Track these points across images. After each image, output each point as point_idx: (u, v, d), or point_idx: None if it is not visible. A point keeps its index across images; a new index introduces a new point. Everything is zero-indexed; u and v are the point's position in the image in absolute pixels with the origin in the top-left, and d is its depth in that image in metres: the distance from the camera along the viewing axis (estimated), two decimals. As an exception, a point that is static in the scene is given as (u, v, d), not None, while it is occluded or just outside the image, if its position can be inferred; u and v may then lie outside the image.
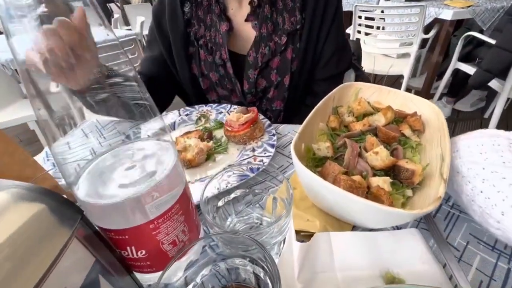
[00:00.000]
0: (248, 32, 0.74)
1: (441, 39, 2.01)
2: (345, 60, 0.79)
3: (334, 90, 0.53)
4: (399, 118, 0.50)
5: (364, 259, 0.33)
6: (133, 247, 0.27)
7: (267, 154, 0.52)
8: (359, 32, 2.28)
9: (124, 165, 0.26)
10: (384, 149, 0.38)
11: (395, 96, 0.54)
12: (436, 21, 2.01)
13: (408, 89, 2.29)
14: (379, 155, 0.37)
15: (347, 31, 2.37)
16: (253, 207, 0.40)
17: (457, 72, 2.07)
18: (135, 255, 0.27)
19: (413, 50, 2.04)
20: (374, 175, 0.38)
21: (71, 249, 0.21)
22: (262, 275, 0.27)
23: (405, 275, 0.32)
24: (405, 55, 2.21)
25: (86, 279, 0.22)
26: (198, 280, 0.29)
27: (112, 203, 0.23)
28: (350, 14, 2.21)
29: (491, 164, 0.33)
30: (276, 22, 0.71)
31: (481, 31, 1.87)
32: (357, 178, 0.35)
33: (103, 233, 0.26)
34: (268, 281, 0.26)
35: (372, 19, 2.12)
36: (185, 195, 0.29)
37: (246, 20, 0.73)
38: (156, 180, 0.25)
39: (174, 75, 0.84)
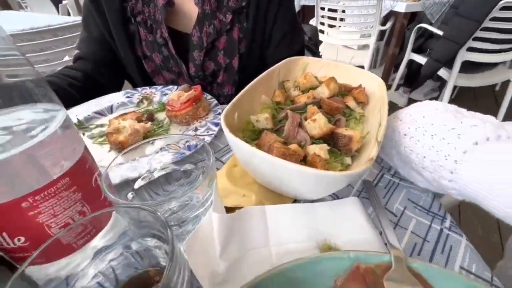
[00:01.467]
0: (190, 8, 0.69)
1: (396, 31, 2.11)
2: (297, 43, 0.77)
3: (279, 64, 0.50)
4: (345, 91, 0.49)
5: (302, 232, 0.31)
6: (4, 233, 0.21)
7: (210, 132, 0.48)
8: (322, 24, 2.32)
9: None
10: (322, 116, 0.36)
11: (342, 71, 0.53)
12: (392, 13, 2.11)
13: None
14: (317, 123, 0.35)
15: (311, 22, 2.40)
16: (185, 187, 0.36)
17: (411, 63, 2.19)
18: (11, 244, 0.22)
19: (372, 41, 2.13)
20: (313, 144, 0.36)
21: None
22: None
23: (342, 245, 0.30)
24: (365, 47, 2.29)
25: None
26: (105, 268, 0.24)
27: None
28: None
29: (437, 121, 0.33)
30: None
31: (430, 25, 1.99)
32: (293, 146, 0.33)
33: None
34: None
35: (336, 11, 2.16)
36: (82, 169, 0.24)
37: None
38: (16, 143, 0.19)
39: (118, 58, 0.76)
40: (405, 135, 0.34)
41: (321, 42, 2.47)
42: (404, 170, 0.37)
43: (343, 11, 2.13)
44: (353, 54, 2.35)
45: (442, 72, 1.81)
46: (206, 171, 0.26)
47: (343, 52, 2.44)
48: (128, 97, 0.64)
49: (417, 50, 2.11)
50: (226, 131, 0.31)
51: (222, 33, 0.68)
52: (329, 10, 2.23)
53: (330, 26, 2.30)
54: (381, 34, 2.33)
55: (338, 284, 0.24)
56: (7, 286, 0.16)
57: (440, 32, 1.66)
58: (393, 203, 0.36)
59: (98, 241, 0.24)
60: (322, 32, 2.35)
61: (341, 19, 2.17)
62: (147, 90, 0.67)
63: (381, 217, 0.32)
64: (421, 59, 1.97)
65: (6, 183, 0.19)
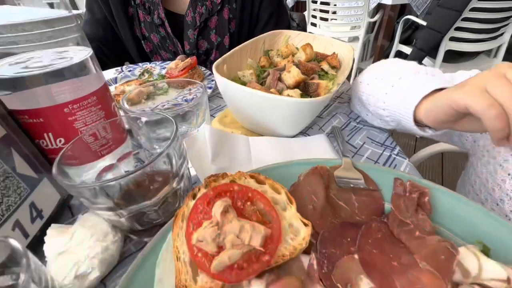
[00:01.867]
0: None
1: (384, 23, 2.19)
2: (283, 23, 0.85)
3: (264, 34, 0.58)
4: (321, 58, 0.56)
5: (278, 156, 0.39)
6: (50, 134, 0.28)
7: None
8: (314, 17, 2.39)
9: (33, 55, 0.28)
10: (296, 68, 0.43)
11: (320, 41, 0.60)
12: (381, 6, 2.19)
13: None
14: (291, 73, 0.43)
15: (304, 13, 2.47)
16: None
17: (400, 54, 2.28)
18: (54, 145, 0.29)
19: (361, 33, 2.21)
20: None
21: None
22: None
23: (310, 166, 0.38)
24: (356, 39, 2.37)
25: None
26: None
27: (18, 77, 0.25)
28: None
29: (388, 69, 0.41)
30: None
31: (417, 17, 2.08)
32: (272, 90, 0.41)
33: (18, 117, 0.27)
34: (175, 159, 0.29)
35: (328, 4, 2.23)
36: (104, 94, 0.32)
37: None
38: (61, 64, 0.27)
39: (120, 38, 0.83)
40: (360, 82, 0.42)
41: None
42: (363, 113, 0.45)
43: (335, 5, 2.21)
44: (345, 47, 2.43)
45: (426, 61, 1.89)
46: (200, 101, 0.33)
47: (333, 45, 2.51)
48: (129, 70, 0.71)
49: (405, 41, 2.19)
50: (216, 75, 0.39)
51: (214, 13, 0.76)
52: (321, 3, 2.30)
53: (322, 19, 2.37)
54: (372, 27, 2.42)
55: (301, 178, 0.32)
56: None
57: (424, 23, 1.74)
58: (355, 140, 0.44)
59: (120, 150, 0.31)
60: (315, 25, 2.42)
61: (334, 12, 2.25)
62: (147, 64, 0.74)
63: (342, 146, 0.40)
64: (408, 50, 2.06)
65: (48, 92, 0.27)
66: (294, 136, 0.43)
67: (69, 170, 0.25)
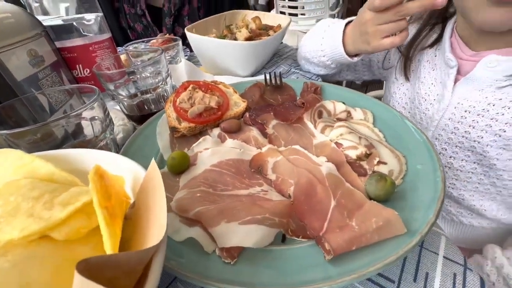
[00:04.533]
0: None
1: (344, 14, 2.43)
2: (243, 8, 1.03)
3: (225, 12, 0.76)
4: (269, 28, 0.75)
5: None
6: (80, 65, 0.44)
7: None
8: (283, 13, 2.61)
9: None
10: (245, 29, 0.61)
11: (268, 16, 0.79)
12: (338, 1, 2.44)
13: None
14: (241, 32, 0.61)
15: (272, 11, 2.69)
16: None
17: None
18: (83, 74, 0.45)
19: (325, 24, 2.45)
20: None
21: (41, 42, 0.38)
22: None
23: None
24: (321, 31, 2.61)
25: (51, 65, 0.39)
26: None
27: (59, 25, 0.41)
28: (271, -4, 2.50)
29: (314, 30, 0.58)
30: None
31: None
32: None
33: (62, 53, 0.43)
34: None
35: (296, 0, 2.47)
36: (111, 43, 0.48)
37: None
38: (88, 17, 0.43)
39: None
40: (302, 45, 0.60)
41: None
42: (310, 67, 0.61)
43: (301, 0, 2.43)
44: (311, 38, 2.66)
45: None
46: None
47: (302, 37, 2.74)
48: (119, 50, 0.86)
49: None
50: (188, 33, 0.56)
51: (185, 4, 0.93)
52: (289, 0, 2.52)
53: (291, 14, 2.60)
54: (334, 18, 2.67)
55: (246, 89, 0.49)
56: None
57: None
58: (292, 78, 0.62)
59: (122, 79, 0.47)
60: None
61: (302, 7, 2.48)
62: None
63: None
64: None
65: (83, 37, 0.42)
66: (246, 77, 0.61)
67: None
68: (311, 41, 0.58)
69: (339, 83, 0.58)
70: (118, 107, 0.43)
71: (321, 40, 0.54)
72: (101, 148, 0.32)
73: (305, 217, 0.24)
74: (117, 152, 0.34)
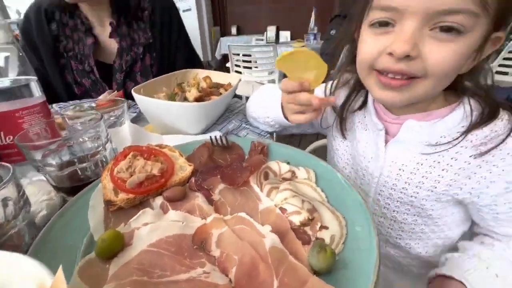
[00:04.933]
0: (113, 46, 0.94)
1: (291, 68, 2.73)
2: (197, 67, 1.09)
3: (177, 71, 0.78)
4: (218, 86, 0.79)
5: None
6: (2, 133, 0.39)
7: (129, 113, 0.70)
8: (238, 66, 2.83)
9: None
10: (195, 89, 0.63)
11: (218, 75, 0.84)
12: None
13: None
14: (191, 92, 0.63)
15: (227, 65, 2.91)
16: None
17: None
18: (5, 141, 0.40)
19: (276, 77, 2.70)
20: (191, 105, 0.62)
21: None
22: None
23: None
24: (273, 81, 2.86)
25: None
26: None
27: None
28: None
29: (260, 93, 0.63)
30: (133, 38, 0.94)
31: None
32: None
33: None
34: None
35: (250, 55, 2.72)
36: (45, 107, 0.45)
37: (110, 37, 0.93)
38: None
39: (49, 85, 0.93)
40: (249, 106, 0.64)
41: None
42: (256, 124, 0.65)
43: (250, 55, 2.69)
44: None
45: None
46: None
47: (257, 87, 2.96)
48: (60, 107, 0.81)
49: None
50: (135, 95, 0.56)
51: (137, 61, 0.95)
52: (243, 55, 2.77)
53: (245, 67, 2.83)
54: (284, 72, 2.97)
55: (195, 150, 0.49)
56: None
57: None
58: (242, 134, 0.64)
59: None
60: (240, 72, 2.85)
61: (255, 61, 2.73)
62: (77, 102, 0.86)
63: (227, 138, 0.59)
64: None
65: (11, 101, 0.39)
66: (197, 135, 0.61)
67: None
68: (257, 104, 0.62)
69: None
70: (43, 178, 0.38)
71: (265, 104, 0.58)
72: (11, 237, 0.27)
73: (247, 305, 0.22)
74: (35, 237, 0.29)
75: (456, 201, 0.44)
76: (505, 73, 1.99)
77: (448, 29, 0.33)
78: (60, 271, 0.16)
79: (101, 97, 0.74)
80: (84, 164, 0.39)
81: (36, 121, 0.42)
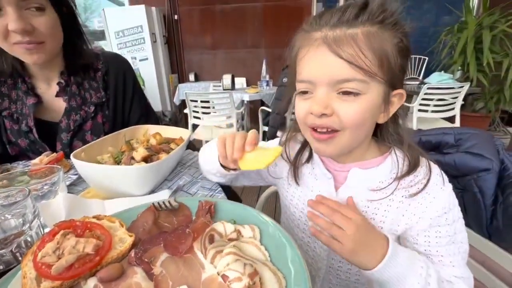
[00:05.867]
0: (59, 104, 0.89)
1: (248, 111, 2.89)
2: (151, 122, 1.08)
3: (125, 129, 0.78)
4: (169, 140, 0.80)
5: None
6: None
7: (70, 176, 0.66)
8: (196, 111, 2.88)
9: None
10: (142, 148, 0.63)
11: (169, 130, 0.85)
12: (243, 101, 2.92)
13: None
14: (138, 152, 0.62)
15: (185, 111, 2.96)
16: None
17: (264, 133, 2.97)
18: None
19: (234, 120, 2.81)
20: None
21: None
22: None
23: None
24: (231, 125, 2.96)
25: None
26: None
27: None
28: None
29: (204, 149, 0.65)
30: (84, 97, 0.91)
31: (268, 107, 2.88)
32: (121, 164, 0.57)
33: None
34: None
35: (208, 102, 2.81)
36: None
37: (56, 96, 0.89)
38: None
39: None
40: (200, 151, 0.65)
41: (197, 125, 3.03)
42: (208, 175, 0.65)
43: (208, 101, 2.79)
44: (224, 131, 2.96)
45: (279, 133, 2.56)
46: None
47: (216, 131, 3.02)
48: (-14, 173, 0.72)
49: (267, 123, 2.92)
50: (74, 160, 0.53)
51: (88, 119, 0.91)
52: (202, 101, 2.86)
53: (204, 113, 2.90)
54: (242, 115, 3.12)
55: (139, 215, 0.47)
56: None
57: (270, 110, 2.45)
58: (192, 189, 0.64)
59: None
60: (198, 118, 2.90)
61: (213, 107, 2.82)
62: (7, 165, 0.77)
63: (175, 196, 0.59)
64: (267, 129, 2.74)
65: None
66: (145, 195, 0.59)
67: None
68: (204, 156, 0.63)
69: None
70: None
71: (210, 158, 0.60)
72: None
73: None
74: None
75: (397, 238, 0.49)
76: (425, 111, 2.39)
77: (348, 93, 0.42)
78: None
79: (36, 160, 0.68)
80: (3, 250, 0.35)
81: None
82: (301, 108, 0.48)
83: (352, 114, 0.43)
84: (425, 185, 0.46)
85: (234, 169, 0.55)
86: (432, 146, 0.68)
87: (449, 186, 0.48)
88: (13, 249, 0.36)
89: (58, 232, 0.36)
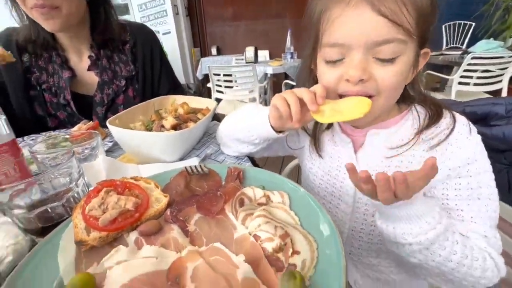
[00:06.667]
0: (92, 78, 0.92)
1: (271, 85, 2.82)
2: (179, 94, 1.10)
3: (154, 99, 0.79)
4: (197, 111, 0.80)
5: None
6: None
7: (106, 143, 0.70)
8: (219, 85, 2.87)
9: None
10: (171, 117, 0.64)
11: (195, 101, 0.85)
12: (266, 75, 2.85)
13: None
14: (168, 120, 0.63)
15: (208, 85, 2.95)
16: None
17: (288, 107, 2.91)
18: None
19: (256, 95, 2.77)
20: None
21: None
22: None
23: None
24: (254, 99, 2.93)
25: None
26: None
27: None
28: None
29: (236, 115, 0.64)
30: (114, 70, 0.94)
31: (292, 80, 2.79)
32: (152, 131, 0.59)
33: None
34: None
35: (230, 75, 2.78)
36: (13, 146, 0.44)
37: (88, 70, 0.92)
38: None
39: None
40: (221, 130, 0.65)
41: (220, 100, 3.03)
42: (235, 148, 0.65)
43: (230, 75, 2.76)
44: (246, 106, 2.95)
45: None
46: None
47: (238, 105, 3.01)
48: (32, 139, 0.79)
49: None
50: (110, 126, 0.56)
51: (120, 93, 0.94)
52: (224, 75, 2.83)
53: (227, 87, 2.88)
54: (264, 89, 3.06)
55: (171, 179, 0.49)
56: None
57: (294, 83, 2.37)
58: (220, 158, 0.65)
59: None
60: (221, 92, 2.89)
61: (235, 81, 2.79)
62: (51, 132, 0.84)
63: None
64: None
65: None
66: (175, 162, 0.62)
67: None
68: (235, 124, 0.62)
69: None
70: (9, 220, 0.37)
71: (243, 123, 0.58)
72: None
73: None
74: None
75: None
76: (467, 84, 2.17)
77: (385, 57, 0.40)
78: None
79: (75, 128, 0.73)
80: (55, 203, 0.38)
81: (4, 160, 0.41)
82: (330, 76, 0.45)
83: (391, 78, 0.41)
84: (447, 136, 0.44)
85: (282, 132, 0.53)
86: (477, 118, 0.63)
87: (476, 137, 0.45)
88: (63, 203, 0.39)
89: (101, 190, 0.38)
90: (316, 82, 0.51)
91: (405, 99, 0.50)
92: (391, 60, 0.40)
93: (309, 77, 0.54)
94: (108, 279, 0.29)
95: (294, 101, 0.46)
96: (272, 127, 0.52)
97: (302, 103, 0.46)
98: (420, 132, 0.46)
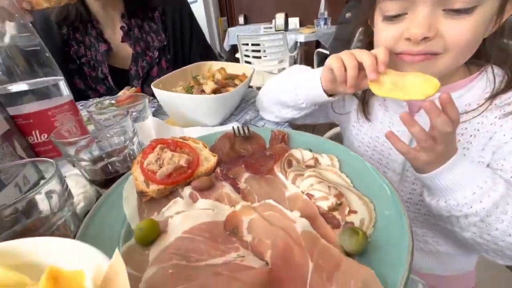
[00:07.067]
0: (126, 51, 0.93)
1: (302, 55, 2.68)
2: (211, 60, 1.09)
3: (190, 65, 0.79)
4: (233, 76, 0.79)
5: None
6: (37, 131, 0.42)
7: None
8: (247, 56, 2.80)
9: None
10: (211, 81, 0.64)
11: (232, 67, 0.84)
12: (296, 43, 2.70)
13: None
14: (208, 85, 0.63)
15: (237, 55, 2.88)
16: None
17: (319, 78, 2.78)
18: (39, 139, 0.42)
19: (286, 65, 2.66)
20: (208, 97, 0.63)
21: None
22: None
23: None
24: (283, 70, 2.83)
25: (2, 136, 0.37)
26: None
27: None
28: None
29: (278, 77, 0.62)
30: (147, 41, 0.94)
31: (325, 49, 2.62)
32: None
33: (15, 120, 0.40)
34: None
35: (258, 45, 2.68)
36: (73, 106, 0.46)
37: (122, 42, 0.92)
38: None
39: None
40: (264, 95, 0.63)
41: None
42: (277, 113, 0.63)
43: (258, 44, 2.65)
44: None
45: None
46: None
47: (267, 77, 2.93)
48: (82, 105, 0.84)
49: (321, 68, 2.70)
50: (155, 89, 0.57)
51: (153, 65, 0.95)
52: (252, 45, 2.74)
53: (255, 57, 2.80)
54: (294, 59, 2.92)
55: (217, 140, 0.49)
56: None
57: (327, 52, 2.22)
58: (260, 124, 0.65)
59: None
60: (249, 62, 2.82)
61: (264, 50, 2.69)
62: (97, 99, 0.88)
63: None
64: (324, 74, 2.54)
65: (42, 101, 0.41)
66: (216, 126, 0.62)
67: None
68: (281, 86, 0.59)
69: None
70: (78, 172, 0.40)
71: (296, 81, 0.54)
72: (58, 227, 0.29)
73: (285, 286, 0.23)
74: (78, 227, 0.31)
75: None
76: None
77: (458, 9, 0.34)
78: (117, 253, 0.17)
79: (120, 93, 0.76)
80: (114, 158, 0.41)
81: (67, 119, 0.44)
82: (388, 34, 0.40)
83: (465, 33, 0.35)
84: None
85: (332, 95, 0.49)
86: None
87: None
88: (121, 159, 0.41)
89: (155, 147, 0.40)
90: (371, 42, 0.47)
91: (478, 57, 0.43)
92: (467, 11, 0.34)
93: (365, 32, 0.49)
94: (170, 226, 0.31)
95: (352, 66, 0.41)
96: (323, 90, 0.49)
97: (360, 66, 0.42)
98: (494, 96, 0.40)
